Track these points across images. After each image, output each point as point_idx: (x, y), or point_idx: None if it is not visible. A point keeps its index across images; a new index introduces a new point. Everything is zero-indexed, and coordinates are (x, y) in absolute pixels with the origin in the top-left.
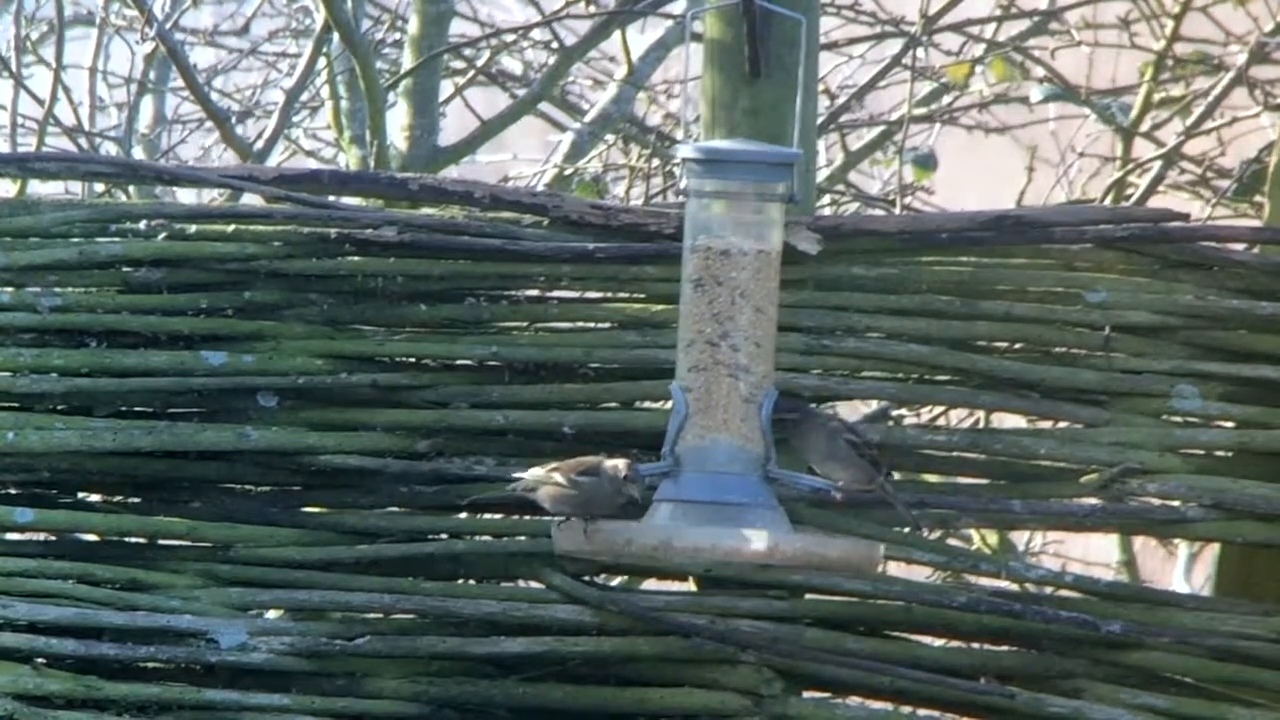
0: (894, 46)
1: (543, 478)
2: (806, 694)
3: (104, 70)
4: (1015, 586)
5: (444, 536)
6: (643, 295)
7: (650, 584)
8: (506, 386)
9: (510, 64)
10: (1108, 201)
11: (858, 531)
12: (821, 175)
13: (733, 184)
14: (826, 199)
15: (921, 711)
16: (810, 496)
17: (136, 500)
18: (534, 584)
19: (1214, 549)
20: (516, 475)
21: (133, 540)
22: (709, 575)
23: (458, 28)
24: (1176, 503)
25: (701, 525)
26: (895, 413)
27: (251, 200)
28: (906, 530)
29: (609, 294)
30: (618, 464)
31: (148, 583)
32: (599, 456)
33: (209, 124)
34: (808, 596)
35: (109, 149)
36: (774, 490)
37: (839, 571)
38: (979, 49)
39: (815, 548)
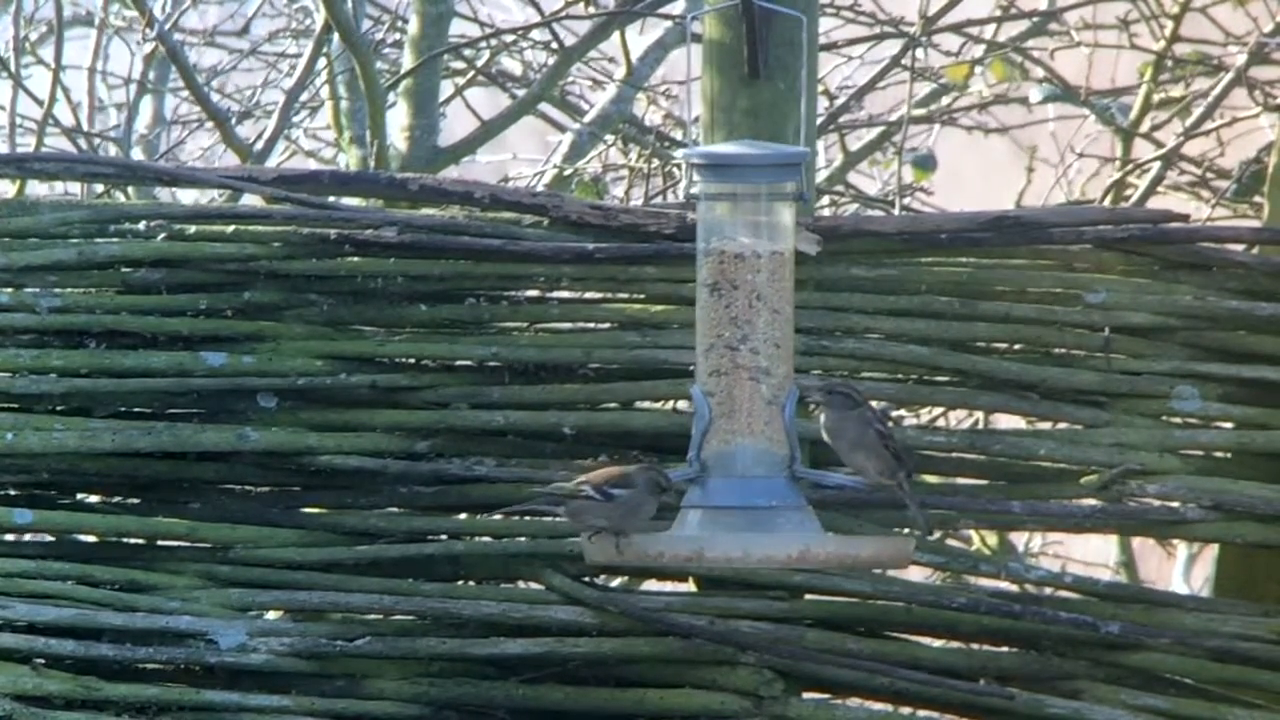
0: (893, 47)
1: (571, 491)
2: (806, 695)
3: (103, 71)
4: (1015, 587)
5: (444, 537)
6: (642, 295)
7: (650, 585)
8: (506, 387)
9: (510, 64)
10: (1107, 202)
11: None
12: (821, 176)
13: (744, 186)
14: (826, 200)
15: (921, 712)
16: (813, 497)
17: (136, 501)
18: (533, 585)
19: (1213, 550)
20: (539, 490)
21: (132, 541)
22: (709, 576)
23: (458, 28)
24: (1176, 504)
25: (731, 531)
26: (895, 413)
27: (251, 201)
28: (908, 532)
29: (609, 294)
30: (651, 473)
31: (147, 584)
32: (622, 467)
33: (209, 124)
34: (808, 597)
35: (108, 149)
36: (801, 490)
37: (871, 570)
38: (978, 49)
39: (847, 549)
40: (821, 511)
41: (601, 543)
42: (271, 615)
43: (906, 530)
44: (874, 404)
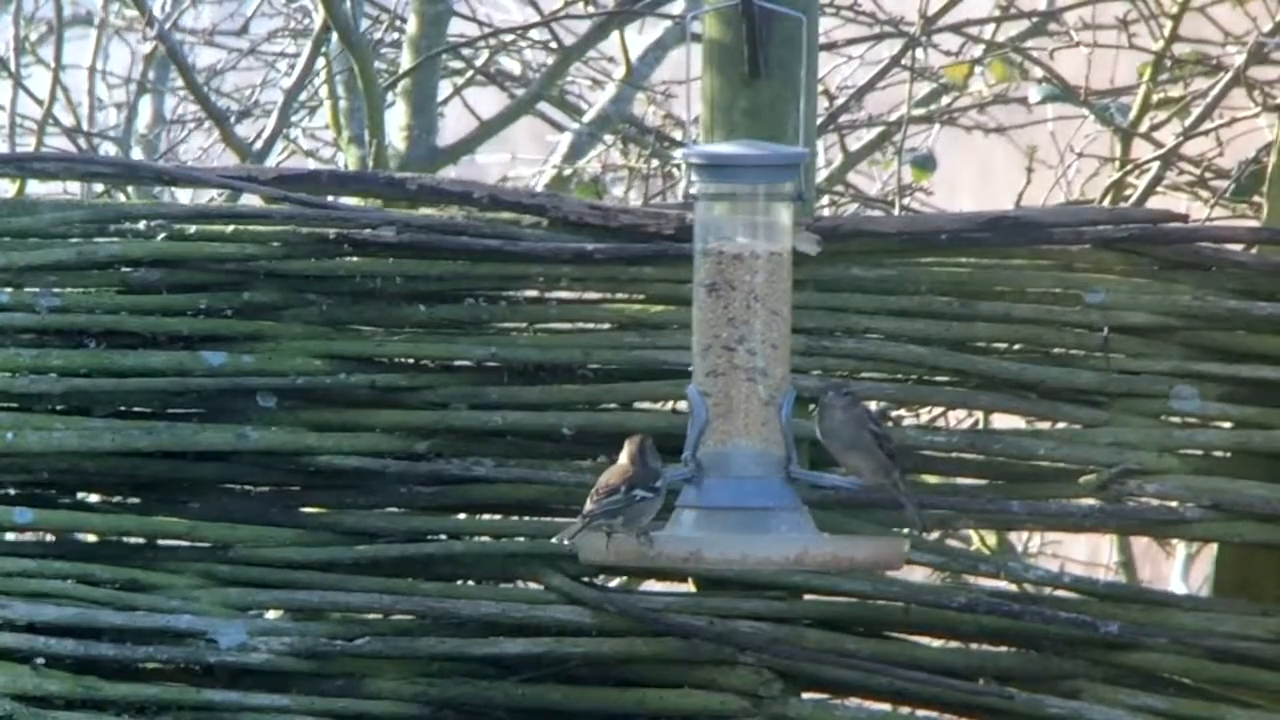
0: (893, 47)
1: (625, 499)
2: (805, 695)
3: (103, 70)
4: (1014, 587)
5: (443, 537)
6: (642, 296)
7: (649, 585)
8: (505, 387)
9: (509, 64)
10: (1106, 202)
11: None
12: (821, 176)
13: (742, 186)
14: (826, 200)
15: (920, 712)
16: (811, 497)
17: (136, 501)
18: (532, 585)
19: (1212, 549)
20: (589, 518)
21: (132, 540)
22: (707, 576)
23: (456, 28)
24: (1174, 503)
25: (727, 532)
26: (894, 413)
27: (250, 200)
28: (907, 531)
29: (608, 295)
30: (636, 445)
31: (147, 583)
32: (624, 460)
33: (208, 124)
34: (807, 598)
35: (108, 149)
36: (797, 491)
37: (868, 571)
38: (978, 49)
39: (844, 550)
40: (818, 512)
41: (622, 543)
42: (271, 615)
43: (905, 530)
44: (868, 404)
